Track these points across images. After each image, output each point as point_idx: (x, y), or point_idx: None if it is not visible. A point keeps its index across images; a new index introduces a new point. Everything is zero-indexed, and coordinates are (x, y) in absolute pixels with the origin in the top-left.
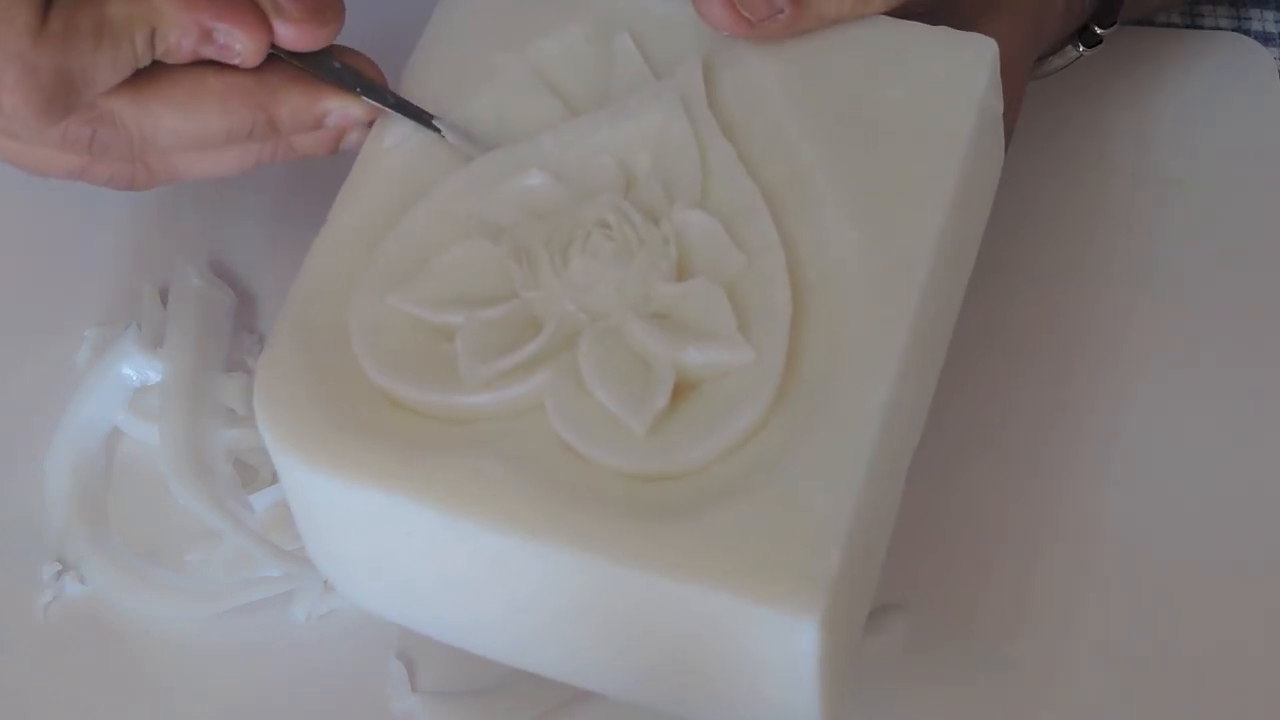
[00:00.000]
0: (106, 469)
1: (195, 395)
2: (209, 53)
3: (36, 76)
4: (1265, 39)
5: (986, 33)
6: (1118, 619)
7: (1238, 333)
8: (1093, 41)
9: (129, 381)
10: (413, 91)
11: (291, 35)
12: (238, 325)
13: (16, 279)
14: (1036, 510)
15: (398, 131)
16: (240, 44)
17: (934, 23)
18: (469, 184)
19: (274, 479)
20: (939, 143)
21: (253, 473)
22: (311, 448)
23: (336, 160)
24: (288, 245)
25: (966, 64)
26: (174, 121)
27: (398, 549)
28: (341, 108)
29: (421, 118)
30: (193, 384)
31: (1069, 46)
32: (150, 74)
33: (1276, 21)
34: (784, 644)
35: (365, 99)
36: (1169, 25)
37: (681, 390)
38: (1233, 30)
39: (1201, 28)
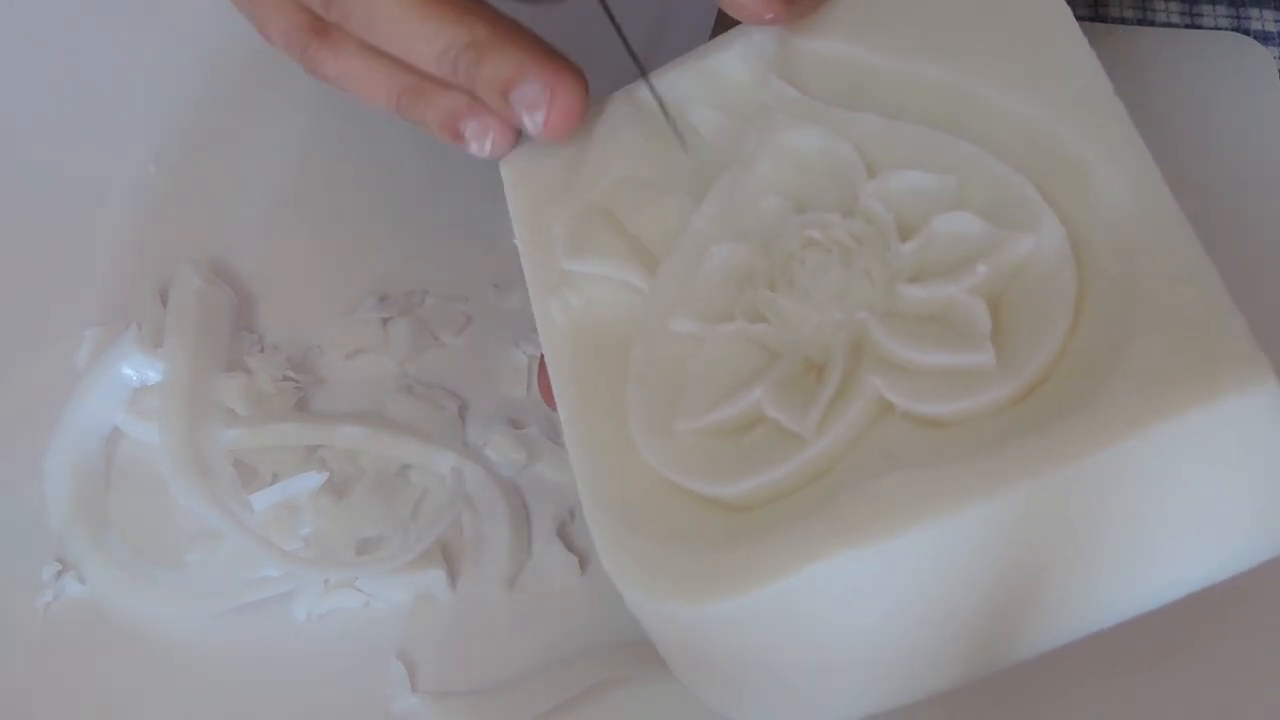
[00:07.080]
0: (106, 469)
1: (195, 395)
2: None
3: None
4: (1265, 38)
5: None
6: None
7: None
8: None
9: (129, 381)
10: (535, 260)
11: None
12: (238, 325)
13: (16, 279)
14: None
15: (565, 308)
16: None
17: None
18: (667, 301)
19: (274, 479)
20: (1044, 7)
21: (252, 473)
22: (730, 578)
23: (336, 160)
24: (288, 245)
25: None
26: None
27: (870, 614)
28: None
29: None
30: (193, 384)
31: None
32: None
33: (1276, 21)
34: (1254, 426)
35: None
36: (1169, 25)
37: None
38: (1232, 30)
39: (1201, 27)
